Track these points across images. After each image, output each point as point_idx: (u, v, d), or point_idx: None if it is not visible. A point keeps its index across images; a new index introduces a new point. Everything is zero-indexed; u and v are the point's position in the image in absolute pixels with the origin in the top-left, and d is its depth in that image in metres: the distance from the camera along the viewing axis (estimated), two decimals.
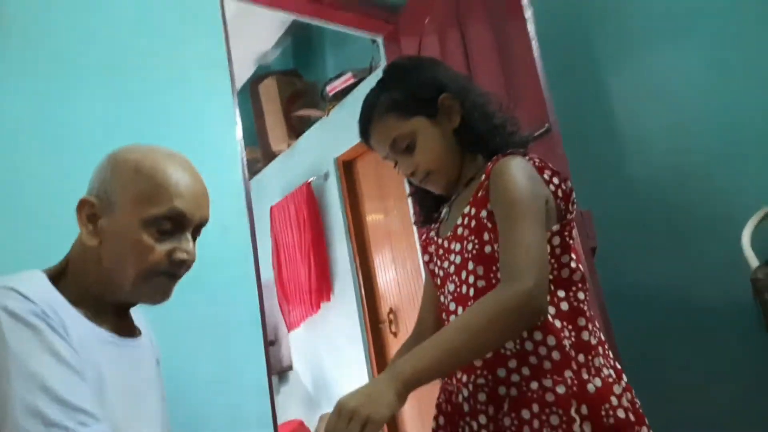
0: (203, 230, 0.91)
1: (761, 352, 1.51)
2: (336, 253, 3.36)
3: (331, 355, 3.40)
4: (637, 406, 0.87)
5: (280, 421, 3.23)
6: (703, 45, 1.68)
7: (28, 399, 0.68)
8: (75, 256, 0.86)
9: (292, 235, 3.57)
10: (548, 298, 0.85)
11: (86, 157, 0.95)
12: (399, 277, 3.05)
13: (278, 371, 3.81)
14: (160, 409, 0.92)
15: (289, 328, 3.69)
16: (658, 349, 1.74)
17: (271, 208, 3.80)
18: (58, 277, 0.84)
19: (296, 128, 3.57)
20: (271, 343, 3.95)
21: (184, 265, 0.86)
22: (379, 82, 1.01)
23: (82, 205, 0.84)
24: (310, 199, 3.42)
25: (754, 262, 1.41)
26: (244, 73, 3.85)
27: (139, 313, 0.99)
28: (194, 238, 0.89)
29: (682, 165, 1.73)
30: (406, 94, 0.95)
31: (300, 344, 3.71)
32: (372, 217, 3.24)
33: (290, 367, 3.79)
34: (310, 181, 3.42)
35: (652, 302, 1.76)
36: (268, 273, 3.82)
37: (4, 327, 0.70)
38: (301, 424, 3.40)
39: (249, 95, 3.80)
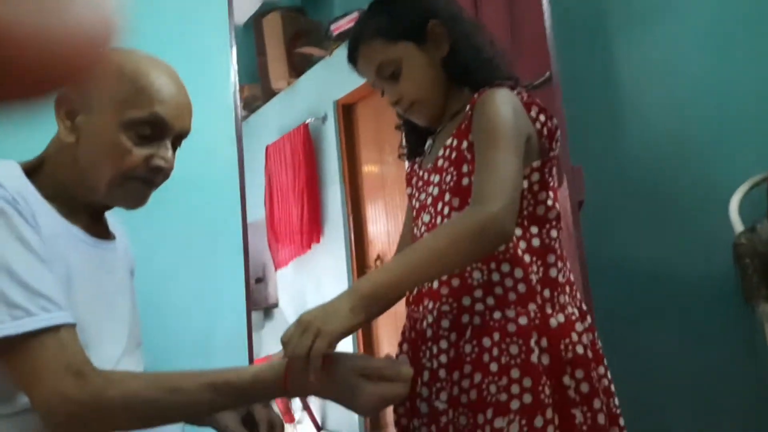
0: (190, 152, 0.90)
1: (739, 320, 1.53)
2: (328, 196, 3.36)
3: (317, 295, 3.45)
4: (598, 347, 0.88)
5: (261, 355, 3.30)
6: (707, 22, 1.66)
7: None
8: (51, 153, 0.85)
9: (286, 176, 3.56)
10: (516, 226, 0.85)
11: None
12: (389, 227, 3.06)
13: (264, 307, 3.87)
14: (130, 315, 0.92)
15: (277, 266, 3.72)
16: (634, 312, 1.76)
17: (267, 147, 3.77)
18: (33, 171, 0.83)
19: (298, 67, 3.50)
20: (258, 280, 4.00)
21: (161, 173, 0.85)
22: (370, 6, 0.98)
23: (61, 100, 0.82)
24: (306, 141, 3.40)
25: (738, 227, 1.41)
26: (250, 6, 3.75)
27: (117, 222, 0.99)
28: (174, 149, 0.87)
29: (677, 134, 1.72)
30: (394, 18, 0.93)
31: (287, 283, 3.75)
32: (368, 168, 3.22)
33: (276, 305, 3.85)
34: (307, 122, 3.38)
35: (634, 265, 1.78)
36: (259, 212, 3.83)
37: None
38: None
39: (253, 30, 3.71)
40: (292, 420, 3.55)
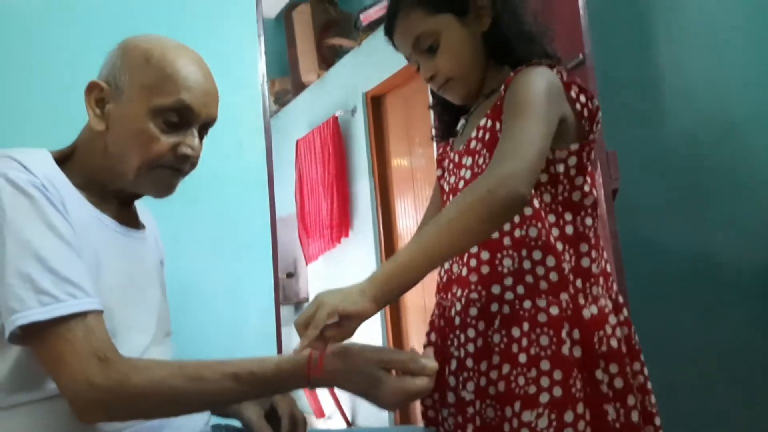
0: (219, 145, 0.89)
1: None
2: (357, 190, 3.35)
3: None
4: (634, 341, 0.84)
5: (291, 348, 3.31)
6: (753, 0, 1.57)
7: (20, 265, 0.69)
8: (82, 141, 0.86)
9: (316, 169, 3.57)
10: (550, 212, 0.81)
11: (97, 42, 0.94)
12: (419, 220, 3.01)
13: (295, 302, 3.89)
14: (159, 305, 0.92)
15: (308, 261, 3.74)
16: (671, 305, 1.69)
17: (297, 141, 3.78)
18: (63, 159, 0.85)
19: (327, 59, 3.50)
20: (289, 275, 4.02)
21: (188, 161, 0.86)
22: None
23: (91, 88, 0.83)
24: (335, 134, 3.39)
25: None
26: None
27: (148, 213, 0.99)
28: (201, 137, 0.88)
29: (721, 118, 1.64)
30: None
31: (317, 278, 3.76)
32: (397, 161, 3.19)
33: (307, 300, 3.86)
34: (337, 115, 3.38)
35: (669, 256, 1.71)
36: (290, 206, 3.85)
37: (3, 194, 0.71)
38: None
39: (284, 23, 3.72)
40: (322, 415, 3.56)
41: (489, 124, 0.86)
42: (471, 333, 0.84)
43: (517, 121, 0.77)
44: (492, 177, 0.71)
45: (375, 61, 3.02)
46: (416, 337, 3.04)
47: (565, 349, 0.77)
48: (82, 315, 0.70)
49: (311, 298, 3.80)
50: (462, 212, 0.70)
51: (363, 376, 0.73)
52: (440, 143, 1.04)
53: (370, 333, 3.15)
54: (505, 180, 0.70)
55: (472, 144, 0.88)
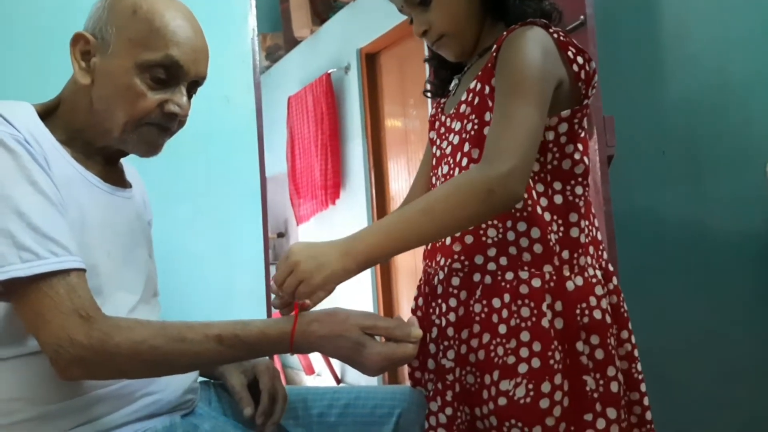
0: (207, 100, 0.86)
1: None
2: (350, 151, 3.31)
3: None
4: (623, 310, 0.84)
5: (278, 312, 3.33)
6: None
7: (1, 220, 0.67)
8: (67, 95, 0.83)
9: (308, 129, 3.51)
10: (538, 181, 0.80)
11: None
12: (411, 184, 3.01)
13: None
14: (146, 265, 0.91)
15: (299, 221, 3.72)
16: (663, 272, 1.70)
17: (289, 99, 3.71)
18: (47, 114, 0.82)
19: (321, 14, 3.40)
20: (280, 234, 4.02)
21: (176, 119, 0.83)
22: None
23: (77, 39, 0.80)
24: (328, 92, 3.33)
25: None
26: None
27: (135, 172, 0.97)
28: (190, 96, 0.85)
29: (722, 85, 1.61)
30: None
31: (308, 238, 3.76)
32: (391, 122, 3.14)
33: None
34: (330, 72, 3.30)
35: (664, 224, 1.71)
36: (281, 165, 3.81)
37: None
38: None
39: None
40: (312, 371, 3.62)
41: (478, 87, 0.84)
42: (453, 302, 0.83)
43: (511, 102, 0.75)
44: (489, 175, 0.71)
45: (371, 16, 2.94)
46: (407, 299, 3.06)
47: (545, 322, 0.77)
48: (64, 273, 0.69)
49: None
50: (458, 204, 0.72)
51: (348, 341, 0.73)
52: (433, 101, 1.01)
53: (361, 295, 3.17)
54: (504, 181, 0.71)
55: (462, 108, 0.86)
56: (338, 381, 3.43)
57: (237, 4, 1.50)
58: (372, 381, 3.00)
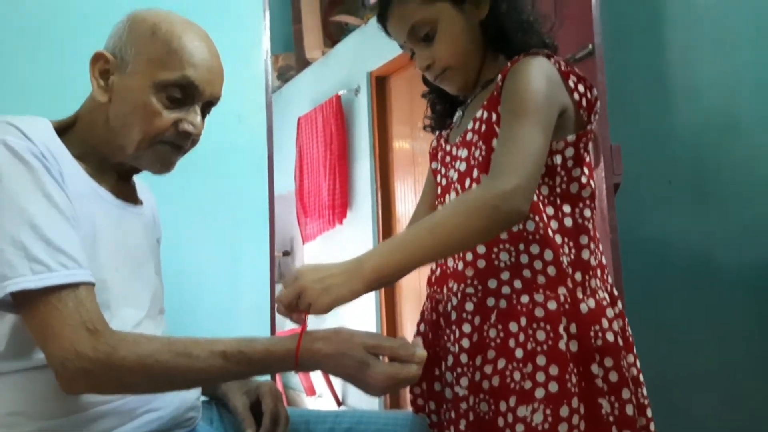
0: (219, 119, 0.89)
1: None
2: (358, 171, 3.33)
3: None
4: (628, 334, 0.84)
5: (286, 328, 3.32)
6: None
7: (14, 232, 0.68)
8: (84, 112, 0.85)
9: (317, 148, 3.54)
10: (548, 204, 0.81)
11: (104, 13, 0.93)
12: None
13: None
14: (154, 281, 0.92)
15: (305, 240, 3.73)
16: (668, 300, 1.69)
17: (299, 119, 3.75)
18: (64, 130, 0.84)
19: (333, 36, 3.45)
20: (286, 253, 4.02)
21: (189, 138, 0.85)
22: None
23: (96, 58, 0.82)
24: (338, 113, 3.36)
25: None
26: None
27: (147, 189, 0.99)
28: (204, 116, 0.87)
29: (727, 116, 1.63)
30: None
31: (314, 257, 3.76)
32: (399, 144, 3.17)
33: None
34: (340, 94, 3.34)
35: (669, 252, 1.70)
36: (289, 183, 3.83)
37: (1, 160, 0.70)
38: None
39: None
40: (313, 393, 3.59)
41: (485, 115, 0.85)
42: (467, 328, 0.83)
43: (516, 124, 0.76)
44: (495, 191, 0.72)
45: (381, 40, 2.95)
46: (410, 320, 3.05)
47: (562, 344, 0.77)
48: (73, 286, 0.69)
49: None
50: (464, 221, 0.72)
51: (352, 360, 0.73)
52: (432, 134, 1.02)
53: (364, 315, 3.16)
54: (509, 197, 0.71)
55: (469, 136, 0.87)
56: (339, 403, 3.40)
57: (252, 26, 1.53)
58: (373, 403, 2.97)
